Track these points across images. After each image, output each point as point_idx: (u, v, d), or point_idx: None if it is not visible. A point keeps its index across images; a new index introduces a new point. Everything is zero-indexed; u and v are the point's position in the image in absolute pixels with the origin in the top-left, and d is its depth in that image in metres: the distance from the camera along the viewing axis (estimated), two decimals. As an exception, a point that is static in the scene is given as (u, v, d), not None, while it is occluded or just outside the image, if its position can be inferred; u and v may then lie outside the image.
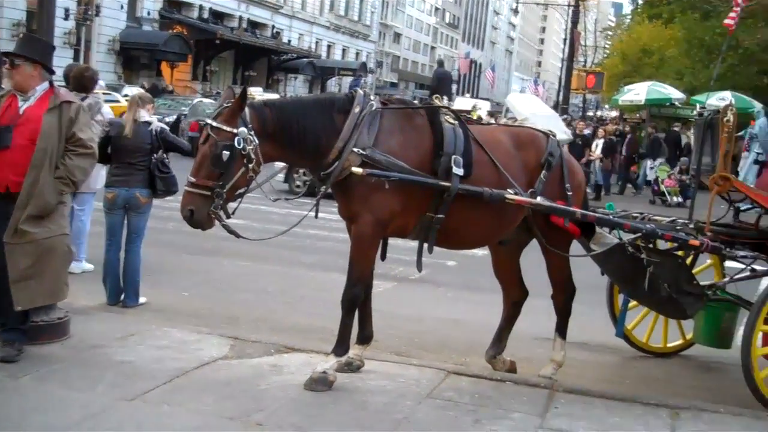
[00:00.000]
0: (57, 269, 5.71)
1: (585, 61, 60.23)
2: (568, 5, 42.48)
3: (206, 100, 27.75)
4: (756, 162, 17.36)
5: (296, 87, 59.85)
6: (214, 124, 5.10)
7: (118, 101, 23.79)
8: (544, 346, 6.61)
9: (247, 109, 5.16)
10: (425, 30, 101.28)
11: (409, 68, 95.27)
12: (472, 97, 71.94)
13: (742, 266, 6.54)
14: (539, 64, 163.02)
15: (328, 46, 68.06)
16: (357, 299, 5.51)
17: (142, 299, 7.46)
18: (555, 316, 6.24)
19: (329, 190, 5.45)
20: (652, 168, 23.09)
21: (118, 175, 7.26)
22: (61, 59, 30.80)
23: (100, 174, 8.14)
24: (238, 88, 5.29)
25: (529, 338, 7.08)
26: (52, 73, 5.82)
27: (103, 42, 39.88)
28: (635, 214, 6.70)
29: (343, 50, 70.83)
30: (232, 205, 5.30)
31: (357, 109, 5.37)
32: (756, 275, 6.51)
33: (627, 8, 70.40)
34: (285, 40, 57.54)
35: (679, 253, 6.48)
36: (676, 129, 25.54)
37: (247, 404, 5.03)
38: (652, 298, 6.17)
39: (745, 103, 23.37)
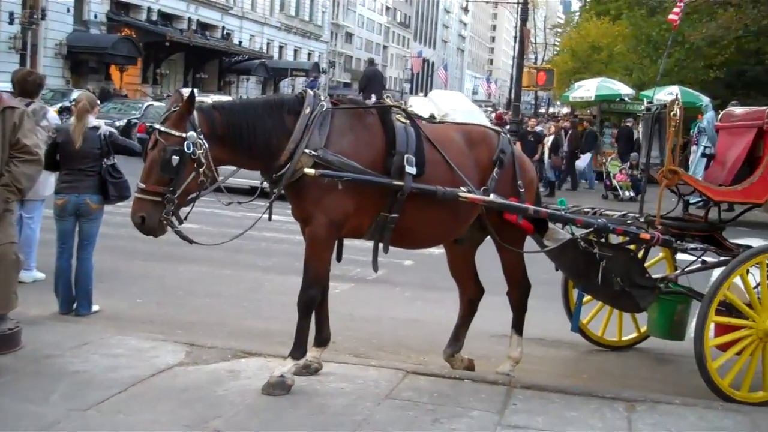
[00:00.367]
0: (5, 279, 5.61)
1: (536, 59, 60.81)
2: (518, 3, 42.74)
3: (157, 104, 27.41)
4: (704, 155, 17.68)
5: (249, 89, 59.42)
6: (162, 128, 5.03)
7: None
8: (501, 343, 6.65)
9: (195, 113, 5.10)
10: (377, 29, 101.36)
11: (362, 68, 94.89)
12: (425, 96, 72.24)
13: (693, 258, 6.65)
14: (491, 62, 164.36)
15: (280, 47, 67.71)
16: (313, 301, 5.48)
17: (95, 307, 7.34)
18: (511, 312, 6.29)
19: (282, 192, 5.42)
20: (587, 162, 23.47)
21: (68, 182, 7.13)
22: (7, 64, 30.49)
23: (48, 180, 8.01)
24: (187, 91, 5.22)
25: (486, 335, 7.13)
26: None
27: (50, 46, 39.15)
28: (587, 210, 6.77)
29: (295, 51, 70.54)
30: (185, 210, 5.25)
31: (307, 110, 5.34)
32: (706, 267, 6.62)
33: (575, 5, 71.26)
34: (236, 41, 57.11)
35: (631, 246, 6.58)
36: (628, 124, 25.87)
37: (204, 411, 4.98)
38: (605, 292, 6.25)
39: (693, 98, 23.81)
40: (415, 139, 5.57)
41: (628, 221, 6.53)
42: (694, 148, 21.19)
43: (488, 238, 6.18)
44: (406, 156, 5.45)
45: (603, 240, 6.23)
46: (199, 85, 47.57)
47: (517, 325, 6.25)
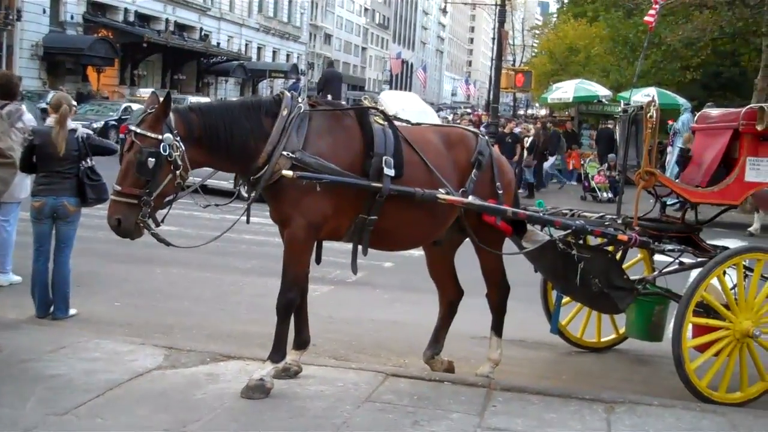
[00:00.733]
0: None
1: (514, 60, 61.06)
2: (495, 5, 42.87)
3: (135, 105, 27.25)
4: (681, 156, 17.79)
5: (227, 90, 59.20)
6: (138, 130, 4.99)
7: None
8: (481, 345, 6.66)
9: (172, 115, 5.07)
10: (356, 31, 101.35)
11: (341, 69, 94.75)
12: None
13: (671, 260, 6.70)
14: (470, 63, 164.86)
15: (258, 48, 67.51)
16: (292, 304, 5.46)
17: (72, 311, 7.29)
18: (490, 314, 6.30)
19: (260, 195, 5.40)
20: (551, 163, 23.67)
21: (45, 184, 7.08)
22: (-18, 66, 30.11)
23: (24, 183, 7.95)
24: (163, 92, 5.19)
25: (466, 337, 7.14)
26: None
27: (26, 47, 38.77)
28: (565, 211, 6.80)
29: (274, 52, 70.35)
30: (162, 213, 5.21)
31: (285, 112, 5.32)
32: (684, 268, 6.66)
33: (553, 7, 71.59)
34: (214, 42, 56.85)
35: (609, 248, 6.61)
36: (609, 126, 26.06)
37: (182, 415, 4.94)
38: (584, 294, 6.27)
39: (670, 99, 24.02)
40: (393, 141, 5.56)
41: (606, 223, 6.56)
42: (669, 149, 21.38)
43: (467, 239, 6.18)
44: (384, 158, 5.45)
45: (581, 241, 6.26)
46: (177, 87, 47.34)
47: (497, 327, 6.26)
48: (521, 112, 64.19)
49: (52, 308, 7.21)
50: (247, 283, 9.33)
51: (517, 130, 24.26)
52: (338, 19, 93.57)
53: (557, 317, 7.00)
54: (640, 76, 25.70)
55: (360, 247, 5.68)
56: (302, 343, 5.84)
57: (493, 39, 51.83)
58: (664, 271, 6.65)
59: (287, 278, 5.39)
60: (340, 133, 5.55)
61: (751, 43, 26.38)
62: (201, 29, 56.14)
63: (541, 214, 6.32)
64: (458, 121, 25.29)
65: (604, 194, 21.38)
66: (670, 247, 6.52)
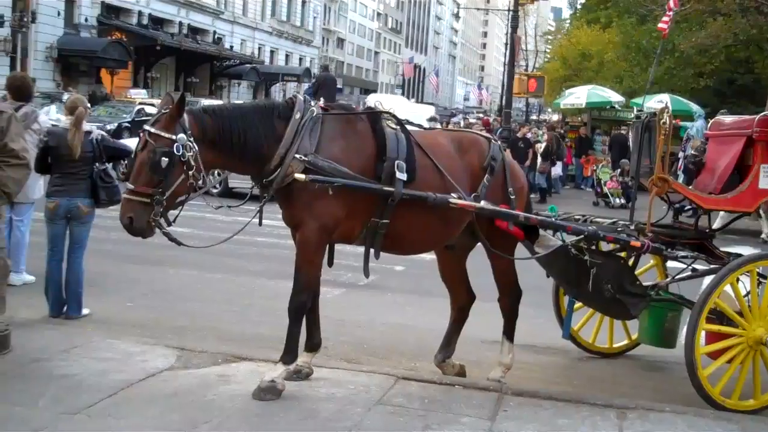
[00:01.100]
0: (-7, 284, 5.57)
1: (527, 66, 60.99)
2: (508, 10, 42.93)
3: (148, 108, 27.33)
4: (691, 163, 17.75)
5: (240, 93, 59.37)
6: (153, 130, 5.02)
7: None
8: (492, 350, 6.64)
9: (186, 116, 5.09)
10: (368, 35, 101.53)
11: (354, 73, 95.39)
12: (417, 101, 72.46)
13: (684, 266, 6.67)
14: (482, 68, 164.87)
15: (271, 52, 67.70)
16: (304, 306, 5.47)
17: (85, 311, 7.32)
18: (502, 319, 6.29)
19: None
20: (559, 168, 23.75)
21: (60, 185, 7.11)
22: (-2, 67, 30.31)
23: (38, 183, 8.00)
24: (177, 94, 5.22)
25: (477, 342, 7.12)
26: None
27: (41, 49, 39.00)
28: (577, 217, 6.79)
29: (287, 56, 70.50)
30: (174, 213, 5.23)
31: (298, 115, 5.33)
32: (697, 275, 6.63)
33: (566, 13, 71.51)
34: (227, 45, 57.04)
35: (622, 254, 6.60)
36: (623, 132, 26.01)
37: (194, 415, 4.96)
38: (596, 299, 6.25)
39: (683, 106, 23.97)
40: (405, 145, 5.57)
41: (619, 229, 6.54)
42: (681, 154, 21.30)
43: (480, 244, 6.18)
44: (396, 162, 5.45)
45: (594, 247, 6.24)
46: (191, 89, 47.43)
47: (508, 332, 6.25)
48: (533, 117, 64.08)
49: (65, 308, 7.24)
50: (259, 285, 9.35)
51: (529, 135, 24.24)
52: (351, 23, 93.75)
53: (569, 322, 7.00)
54: (654, 82, 25.63)
55: (372, 251, 5.68)
56: (314, 345, 5.85)
57: (506, 44, 51.87)
58: (677, 277, 6.63)
59: (299, 281, 5.40)
60: (353, 136, 5.56)
61: (765, 50, 26.35)
62: (214, 32, 56.35)
63: (553, 220, 6.30)
64: (466, 127, 25.32)
65: (617, 200, 21.32)
66: (683, 253, 6.50)
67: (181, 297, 8.62)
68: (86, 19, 43.13)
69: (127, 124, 25.11)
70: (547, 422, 5.24)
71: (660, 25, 20.48)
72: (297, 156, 5.23)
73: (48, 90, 33.47)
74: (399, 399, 5.45)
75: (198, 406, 5.11)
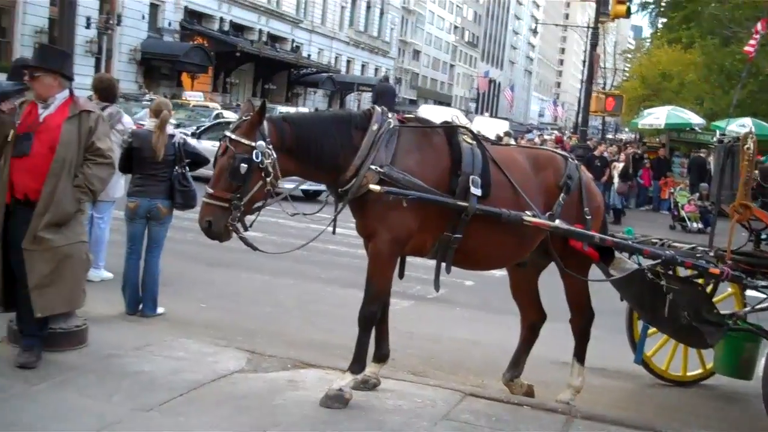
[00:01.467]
0: (75, 277, 5.72)
1: (604, 84, 60.18)
2: (588, 27, 42.45)
3: (226, 112, 27.80)
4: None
5: (315, 101, 60.02)
6: (233, 136, 5.10)
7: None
8: (562, 371, 6.55)
9: (265, 123, 5.17)
10: (444, 48, 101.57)
11: (428, 85, 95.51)
12: (491, 116, 72.18)
13: (763, 296, 6.48)
14: (558, 84, 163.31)
15: (348, 62, 68.31)
16: (374, 317, 5.48)
17: (160, 309, 7.47)
18: (573, 340, 6.20)
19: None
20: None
21: (141, 185, 7.29)
22: (84, 67, 31.30)
23: (119, 182, 8.20)
24: (258, 101, 5.30)
25: (546, 362, 7.02)
26: (71, 80, 5.85)
27: (125, 51, 40.13)
28: (655, 240, 6.66)
29: (363, 66, 71.05)
30: (250, 218, 5.30)
31: (375, 127, 5.36)
32: (778, 306, 6.44)
33: (646, 31, 70.38)
34: (305, 54, 57.76)
35: (699, 280, 6.44)
36: (702, 155, 25.46)
37: (262, 419, 5.02)
38: (671, 326, 6.12)
39: (765, 130, 23.29)
40: (481, 161, 5.55)
41: (698, 254, 6.39)
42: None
43: (552, 263, 6.11)
44: (471, 177, 5.44)
45: (671, 272, 6.11)
46: (268, 96, 48.18)
47: (579, 354, 6.16)
48: (610, 135, 63.17)
49: (140, 306, 7.41)
50: (329, 293, 9.41)
51: (606, 153, 23.97)
52: (427, 35, 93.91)
53: (642, 348, 6.86)
54: (736, 105, 25.02)
55: (443, 265, 5.67)
56: (382, 356, 5.85)
57: (584, 61, 51.28)
58: (757, 307, 6.45)
59: (370, 291, 5.42)
60: (429, 150, 5.57)
61: None
62: (293, 41, 57.15)
63: (629, 242, 6.20)
64: (539, 143, 25.18)
65: (694, 224, 20.80)
66: (763, 283, 6.32)
67: (252, 300, 8.73)
68: (169, 24, 44.21)
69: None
70: (616, 448, 5.15)
71: (747, 48, 19.98)
72: (372, 167, 5.25)
73: (130, 92, 34.32)
74: (465, 415, 5.42)
75: (266, 410, 5.17)
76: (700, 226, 20.27)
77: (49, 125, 5.58)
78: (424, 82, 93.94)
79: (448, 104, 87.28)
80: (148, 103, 23.18)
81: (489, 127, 20.33)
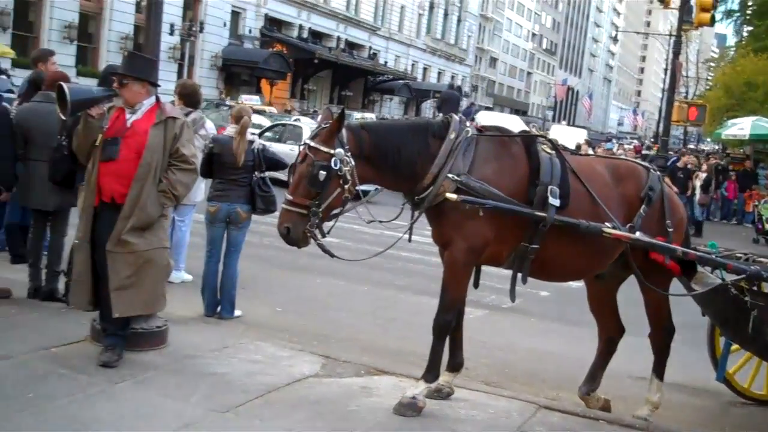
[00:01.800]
0: (155, 281, 5.85)
1: (686, 93, 58.86)
2: (670, 35, 41.53)
3: (303, 118, 28.15)
4: None
5: (391, 108, 60.28)
6: (312, 144, 5.15)
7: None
8: (639, 386, 6.42)
9: (344, 131, 5.21)
10: (522, 55, 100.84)
11: (505, 93, 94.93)
12: (568, 124, 71.29)
13: None
14: (639, 93, 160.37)
15: (424, 69, 68.39)
16: (448, 325, 5.47)
17: (237, 312, 7.59)
18: (652, 355, 6.07)
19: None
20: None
21: (221, 190, 7.43)
22: (167, 73, 32.08)
23: (200, 187, 8.36)
24: (336, 108, 5.33)
25: (624, 376, 6.89)
26: (157, 86, 6.00)
27: (206, 58, 41.03)
28: (739, 255, 6.47)
29: (439, 73, 71.04)
30: (327, 224, 5.35)
31: (452, 135, 5.35)
32: None
33: (731, 40, 68.56)
34: (381, 61, 58.09)
35: (787, 297, 6.23)
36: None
37: (336, 424, 5.05)
38: (755, 343, 5.93)
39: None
40: (560, 171, 5.48)
41: (785, 270, 6.19)
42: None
43: (632, 276, 5.99)
44: (549, 187, 5.38)
45: (755, 288, 5.93)
46: (344, 103, 48.60)
47: (658, 369, 6.02)
48: (691, 146, 61.72)
49: (219, 308, 7.54)
50: (402, 300, 9.43)
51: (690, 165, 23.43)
52: (505, 43, 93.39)
53: (724, 365, 6.66)
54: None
55: (519, 275, 5.62)
56: (456, 365, 5.83)
57: (665, 69, 50.22)
58: None
59: (445, 300, 5.40)
60: (507, 159, 5.53)
61: None
62: (370, 48, 57.51)
63: (713, 256, 6.04)
64: (620, 153, 24.75)
65: (779, 238, 20.16)
66: None
67: (327, 306, 8.81)
68: (250, 31, 44.99)
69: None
70: (695, 466, 5.02)
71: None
72: (449, 176, 5.24)
73: (211, 97, 35.02)
74: (540, 428, 5.36)
75: (340, 416, 5.20)
76: (787, 240, 19.62)
77: (137, 130, 5.73)
78: (500, 89, 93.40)
79: (525, 112, 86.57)
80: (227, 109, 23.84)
81: (566, 135, 20.12)
